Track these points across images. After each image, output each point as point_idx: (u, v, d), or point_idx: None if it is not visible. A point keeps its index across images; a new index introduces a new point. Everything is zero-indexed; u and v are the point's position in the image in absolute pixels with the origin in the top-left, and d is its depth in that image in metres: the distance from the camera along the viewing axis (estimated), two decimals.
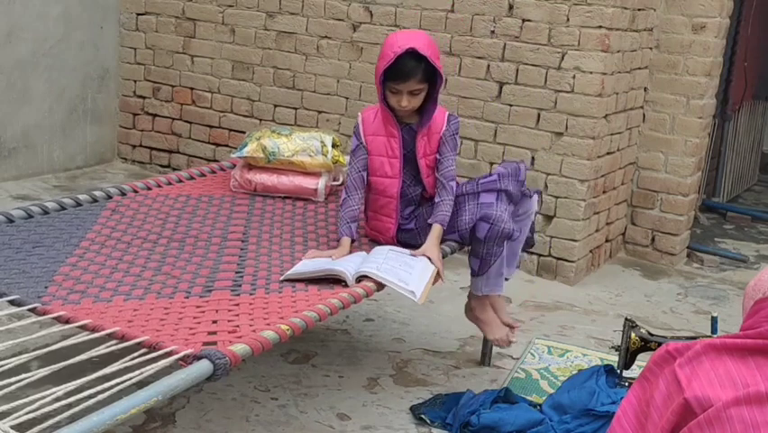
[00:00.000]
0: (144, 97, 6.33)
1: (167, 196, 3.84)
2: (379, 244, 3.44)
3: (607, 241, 5.32)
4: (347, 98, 5.51)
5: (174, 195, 3.87)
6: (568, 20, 4.75)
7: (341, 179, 4.10)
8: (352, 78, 5.47)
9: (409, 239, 3.44)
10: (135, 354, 2.32)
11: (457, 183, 3.44)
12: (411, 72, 3.24)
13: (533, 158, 4.87)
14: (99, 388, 2.10)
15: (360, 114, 3.48)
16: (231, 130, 5.99)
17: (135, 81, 6.34)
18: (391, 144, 3.38)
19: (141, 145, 6.40)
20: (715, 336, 3.24)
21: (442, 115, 3.46)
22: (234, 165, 4.16)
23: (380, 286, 3.02)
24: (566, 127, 4.81)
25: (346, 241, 3.29)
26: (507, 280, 3.62)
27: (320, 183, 3.94)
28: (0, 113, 5.66)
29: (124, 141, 6.47)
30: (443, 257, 3.32)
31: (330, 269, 3.01)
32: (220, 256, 3.22)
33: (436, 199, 3.38)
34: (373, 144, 3.39)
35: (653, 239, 5.45)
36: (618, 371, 3.35)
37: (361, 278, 3.00)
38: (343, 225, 3.33)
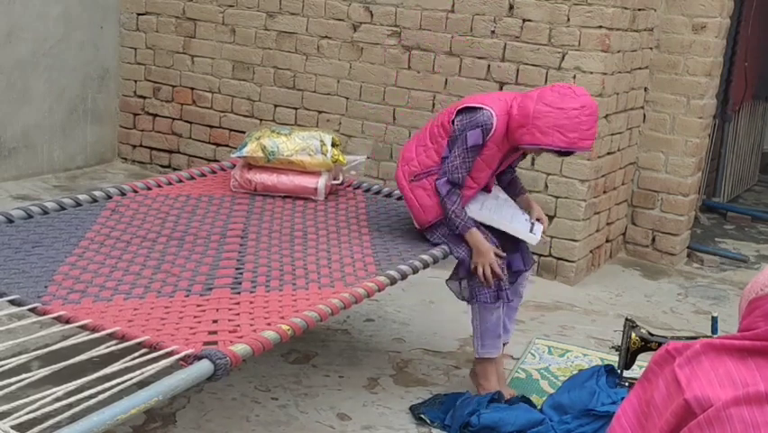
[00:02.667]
0: (145, 97, 6.33)
1: (167, 196, 3.84)
2: None
3: (607, 241, 5.32)
4: (347, 98, 5.50)
5: (174, 195, 3.86)
6: (568, 20, 4.75)
7: (341, 179, 4.09)
8: (352, 78, 5.47)
9: None
10: (136, 354, 2.32)
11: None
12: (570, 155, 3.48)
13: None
14: (99, 388, 2.10)
15: (495, 115, 3.26)
16: (231, 130, 5.99)
17: (135, 81, 6.34)
18: (495, 158, 3.34)
19: (141, 145, 6.40)
20: (715, 336, 3.24)
21: None
22: (234, 165, 4.16)
23: (381, 286, 3.02)
24: None
25: (477, 232, 3.32)
26: (505, 344, 3.57)
27: (320, 182, 3.93)
28: (0, 113, 5.66)
29: (125, 141, 6.47)
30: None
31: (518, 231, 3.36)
32: (219, 254, 3.22)
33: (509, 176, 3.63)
34: (489, 152, 3.31)
35: (653, 239, 5.45)
36: (619, 371, 3.35)
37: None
38: (465, 218, 3.32)
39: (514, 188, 3.64)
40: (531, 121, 3.18)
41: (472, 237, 3.31)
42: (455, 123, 3.32)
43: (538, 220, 3.52)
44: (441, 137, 3.38)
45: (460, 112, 3.33)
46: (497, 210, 3.47)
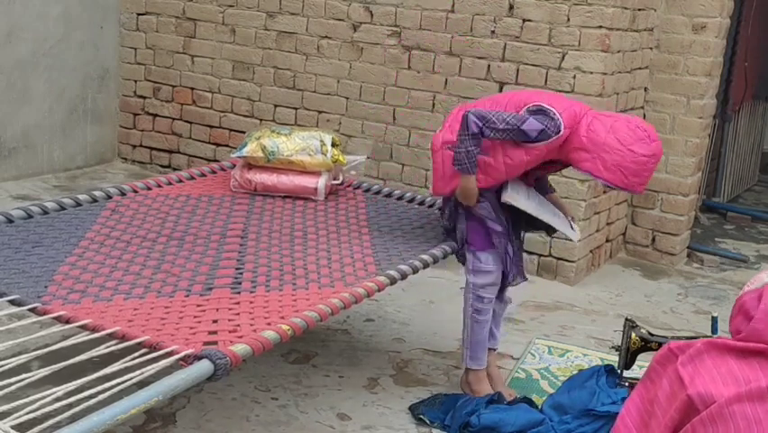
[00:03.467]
0: (145, 97, 6.33)
1: (167, 196, 3.84)
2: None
3: (607, 241, 5.32)
4: (347, 98, 5.50)
5: (174, 195, 3.86)
6: (568, 20, 4.75)
7: (340, 179, 4.10)
8: (352, 78, 5.47)
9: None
10: (136, 354, 2.32)
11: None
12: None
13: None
14: (99, 388, 2.10)
15: (564, 126, 3.15)
16: (231, 130, 5.99)
17: (135, 81, 6.34)
18: (532, 160, 3.25)
19: (141, 145, 6.40)
20: (715, 336, 3.24)
21: None
22: (234, 165, 4.16)
23: (381, 286, 3.02)
24: None
25: (473, 179, 3.23)
26: (494, 350, 3.58)
27: (320, 182, 3.93)
28: (0, 113, 5.65)
29: (125, 141, 6.47)
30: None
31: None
32: (219, 254, 3.22)
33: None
34: (534, 151, 3.21)
35: (653, 239, 5.45)
36: (619, 371, 3.34)
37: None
38: (474, 163, 3.18)
39: (543, 187, 3.58)
40: (598, 151, 3.10)
41: (469, 182, 3.21)
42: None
43: (573, 220, 3.55)
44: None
45: (532, 109, 3.22)
46: (542, 204, 3.44)
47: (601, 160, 3.10)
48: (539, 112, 3.19)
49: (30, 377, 2.15)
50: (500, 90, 4.96)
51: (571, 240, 3.45)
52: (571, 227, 3.50)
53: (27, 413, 1.96)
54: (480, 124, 3.14)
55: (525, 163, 3.25)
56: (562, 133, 3.15)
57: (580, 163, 3.17)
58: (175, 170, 6.02)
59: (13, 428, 1.89)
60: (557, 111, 3.18)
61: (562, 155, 3.25)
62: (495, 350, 3.59)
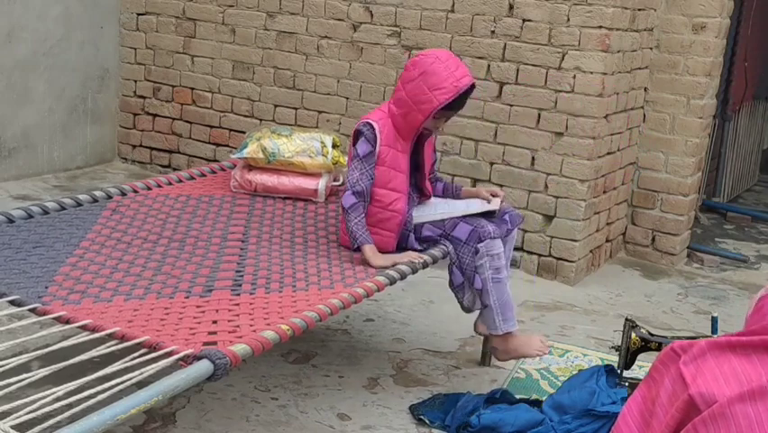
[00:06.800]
0: (144, 97, 6.33)
1: (167, 196, 3.84)
2: None
3: (607, 241, 5.32)
4: (347, 98, 5.51)
5: (174, 195, 3.87)
6: (568, 20, 4.75)
7: (341, 180, 4.10)
8: (352, 78, 5.47)
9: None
10: (135, 355, 2.32)
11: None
12: (465, 103, 3.41)
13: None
14: (99, 388, 2.10)
15: (374, 122, 3.34)
16: (231, 130, 5.99)
17: (135, 81, 6.35)
18: (400, 159, 3.39)
19: (141, 145, 6.41)
20: (715, 336, 3.25)
21: None
22: (234, 165, 4.16)
23: (380, 286, 3.03)
24: (566, 127, 4.81)
25: (373, 247, 3.27)
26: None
27: (320, 184, 3.94)
28: (0, 113, 5.66)
29: (125, 141, 6.47)
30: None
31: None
32: (220, 256, 3.22)
33: (440, 185, 3.71)
34: (387, 155, 3.35)
35: (653, 239, 5.45)
36: (619, 371, 3.35)
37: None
38: (364, 232, 3.26)
39: (451, 192, 3.72)
40: (411, 103, 3.28)
41: (366, 252, 3.25)
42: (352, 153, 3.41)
43: (494, 195, 3.58)
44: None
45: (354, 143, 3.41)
46: (451, 205, 3.56)
47: (419, 103, 3.26)
48: (355, 135, 3.38)
49: (30, 377, 2.16)
50: (500, 90, 4.97)
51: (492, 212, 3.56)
52: (489, 202, 3.55)
53: (27, 413, 1.96)
54: (349, 192, 3.27)
55: (399, 171, 3.38)
56: (375, 125, 3.32)
57: (416, 120, 3.31)
58: (175, 170, 6.02)
59: (13, 428, 1.89)
60: (362, 120, 3.38)
61: (411, 133, 3.36)
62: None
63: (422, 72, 3.26)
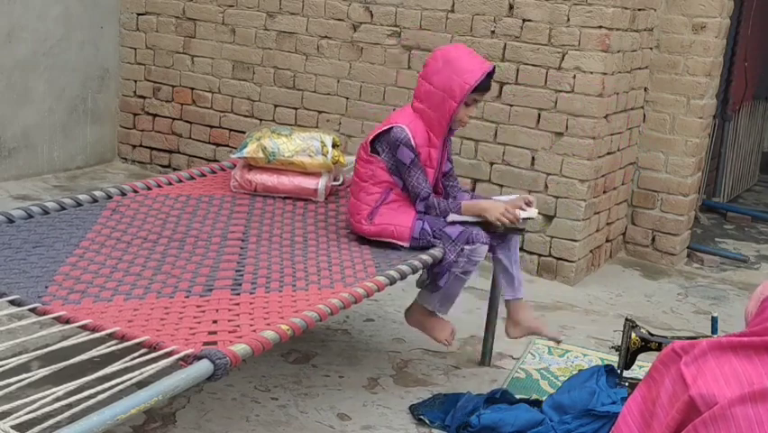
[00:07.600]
0: (144, 97, 6.33)
1: (167, 196, 3.84)
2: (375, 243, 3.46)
3: (607, 241, 5.32)
4: (347, 98, 5.51)
5: (174, 195, 3.86)
6: (568, 20, 4.75)
7: (341, 180, 4.10)
8: (352, 78, 5.47)
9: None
10: (135, 354, 2.32)
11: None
12: (491, 85, 3.49)
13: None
14: (99, 388, 2.10)
15: (405, 126, 3.40)
16: (231, 130, 5.99)
17: (135, 81, 6.35)
18: (432, 155, 3.46)
19: (141, 145, 6.41)
20: (715, 336, 3.24)
21: None
22: (234, 165, 4.16)
23: (380, 286, 3.02)
24: (566, 127, 4.81)
25: (467, 204, 3.44)
26: (520, 299, 3.63)
27: (320, 183, 3.93)
28: (0, 113, 5.66)
29: (125, 141, 6.47)
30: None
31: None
32: (220, 256, 3.22)
33: (467, 196, 3.67)
34: (422, 154, 3.43)
35: (653, 239, 5.45)
36: (619, 371, 3.35)
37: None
38: (450, 204, 3.43)
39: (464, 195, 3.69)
40: (442, 92, 3.35)
41: (470, 209, 3.42)
42: (379, 152, 3.44)
43: (528, 204, 3.58)
44: (368, 171, 3.46)
45: (374, 140, 3.45)
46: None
47: (448, 91, 3.34)
48: (381, 138, 3.44)
49: (30, 377, 2.15)
50: (500, 90, 4.97)
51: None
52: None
53: (27, 413, 1.96)
54: (419, 201, 3.43)
55: (430, 166, 3.45)
56: (407, 129, 3.38)
57: (449, 106, 3.35)
58: (175, 170, 6.03)
59: (13, 428, 1.89)
60: (390, 123, 3.44)
61: (443, 127, 3.42)
62: (521, 299, 3.62)
63: (446, 61, 3.38)
